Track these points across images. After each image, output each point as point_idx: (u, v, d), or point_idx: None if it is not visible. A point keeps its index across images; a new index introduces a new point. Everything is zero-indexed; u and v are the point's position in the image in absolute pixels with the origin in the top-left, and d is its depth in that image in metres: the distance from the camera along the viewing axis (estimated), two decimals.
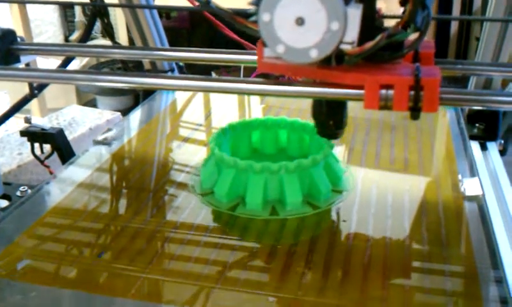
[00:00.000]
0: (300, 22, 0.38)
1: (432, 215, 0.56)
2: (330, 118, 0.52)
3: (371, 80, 0.39)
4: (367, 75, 0.39)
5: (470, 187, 0.59)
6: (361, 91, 0.39)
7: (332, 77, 0.41)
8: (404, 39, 0.40)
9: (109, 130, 0.77)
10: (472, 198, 0.57)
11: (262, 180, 0.57)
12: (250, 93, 0.46)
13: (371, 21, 0.41)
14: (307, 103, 0.52)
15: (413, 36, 0.40)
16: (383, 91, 0.39)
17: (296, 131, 0.67)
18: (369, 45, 0.39)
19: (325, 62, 0.40)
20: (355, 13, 0.37)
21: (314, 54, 0.38)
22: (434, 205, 0.58)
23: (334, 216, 0.57)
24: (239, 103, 0.92)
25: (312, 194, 0.58)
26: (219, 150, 0.60)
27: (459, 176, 0.61)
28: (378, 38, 0.38)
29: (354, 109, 0.85)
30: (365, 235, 0.53)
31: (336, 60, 0.41)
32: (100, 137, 0.74)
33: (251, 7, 0.39)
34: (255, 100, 0.92)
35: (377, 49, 0.39)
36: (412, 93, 0.38)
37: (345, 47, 0.39)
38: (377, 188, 0.61)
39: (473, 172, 0.64)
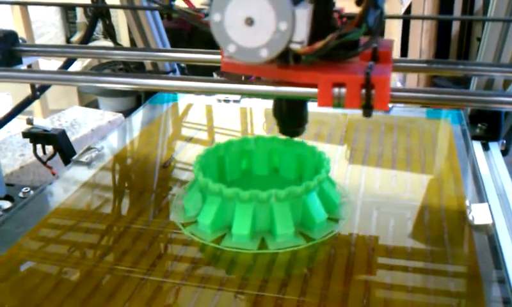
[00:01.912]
0: (250, 22, 0.38)
1: (436, 238, 0.53)
2: (291, 116, 0.52)
3: (324, 79, 0.40)
4: (321, 73, 0.40)
5: (478, 214, 0.55)
6: (316, 90, 0.41)
7: (288, 75, 0.42)
8: (358, 39, 0.41)
9: (90, 148, 0.74)
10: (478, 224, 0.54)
11: (250, 209, 0.52)
12: (204, 91, 0.47)
13: (326, 21, 0.42)
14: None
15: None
16: (336, 90, 0.40)
17: (290, 150, 0.63)
18: (319, 44, 0.40)
19: (284, 62, 0.42)
20: (303, 13, 0.38)
21: (264, 54, 0.39)
22: (438, 225, 0.54)
23: (330, 249, 0.52)
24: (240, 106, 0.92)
25: (305, 224, 0.54)
26: (204, 174, 0.56)
27: (467, 202, 0.57)
28: (329, 37, 0.39)
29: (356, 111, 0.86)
30: (364, 270, 0.48)
31: (294, 59, 0.42)
32: (82, 157, 0.71)
33: (205, 8, 0.40)
34: (257, 101, 0.92)
35: (331, 48, 0.40)
36: (364, 91, 0.39)
37: (295, 47, 0.39)
38: (377, 212, 0.57)
39: (476, 176, 0.64)
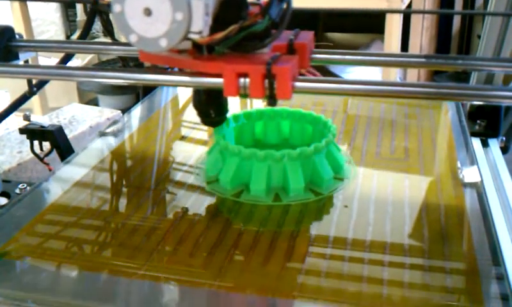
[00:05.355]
0: (148, 12, 0.39)
1: (433, 213, 0.55)
2: (209, 106, 0.54)
3: (228, 69, 0.42)
4: (225, 64, 0.42)
5: (468, 174, 0.59)
6: (222, 80, 0.42)
7: (199, 66, 0.43)
8: (261, 30, 0.42)
9: (114, 123, 0.79)
10: (471, 185, 0.58)
11: (265, 167, 0.58)
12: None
13: (234, 12, 0.43)
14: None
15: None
16: (242, 80, 0.41)
17: (298, 121, 0.68)
18: (219, 35, 0.41)
19: (199, 52, 0.43)
20: (199, 4, 0.39)
21: (164, 43, 0.40)
22: (435, 197, 0.58)
23: (336, 202, 0.58)
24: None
25: (315, 181, 0.59)
26: (223, 140, 0.61)
27: (458, 164, 0.62)
28: (229, 28, 0.41)
29: (356, 106, 0.86)
30: (365, 221, 0.54)
31: (208, 50, 0.43)
32: (107, 130, 0.77)
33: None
34: None
35: (240, 40, 0.42)
36: (267, 81, 0.41)
37: (194, 37, 0.40)
38: (377, 177, 0.63)
39: (473, 163, 0.64)
